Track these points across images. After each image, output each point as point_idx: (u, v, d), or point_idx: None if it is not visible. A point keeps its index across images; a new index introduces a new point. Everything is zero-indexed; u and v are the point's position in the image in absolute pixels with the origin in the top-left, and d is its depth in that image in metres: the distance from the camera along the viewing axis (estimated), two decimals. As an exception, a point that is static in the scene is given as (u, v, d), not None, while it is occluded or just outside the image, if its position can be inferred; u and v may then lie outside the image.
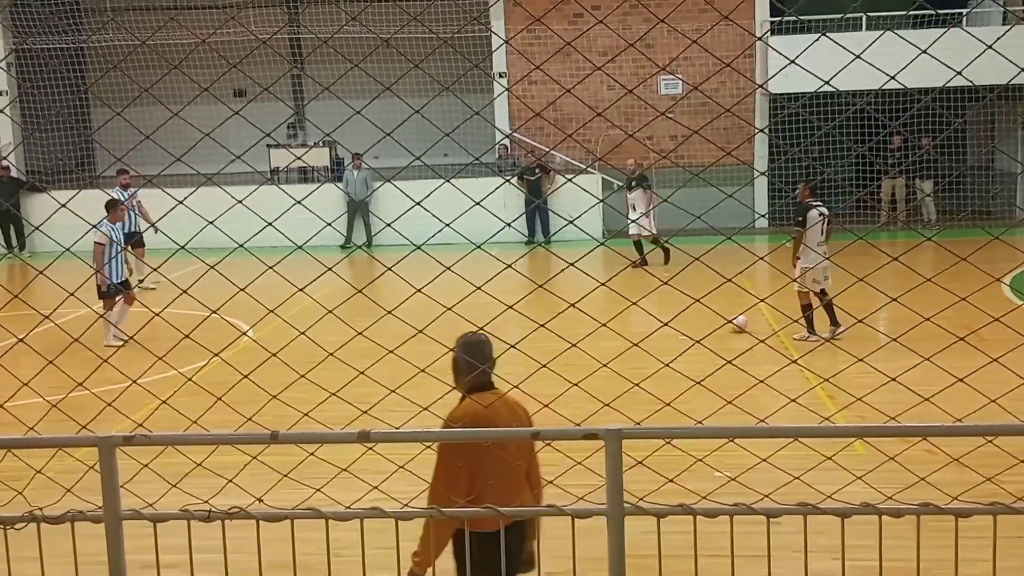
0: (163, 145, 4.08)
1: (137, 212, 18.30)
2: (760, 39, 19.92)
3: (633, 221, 18.78)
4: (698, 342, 4.16)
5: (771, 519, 3.78)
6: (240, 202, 4.36)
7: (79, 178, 24.81)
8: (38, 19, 23.78)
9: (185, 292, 4.11)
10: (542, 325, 4.06)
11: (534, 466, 4.90)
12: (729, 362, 4.13)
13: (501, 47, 22.86)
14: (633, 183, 18.73)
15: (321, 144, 23.96)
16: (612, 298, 4.90)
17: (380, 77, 4.88)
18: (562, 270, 4.30)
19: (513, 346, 4.17)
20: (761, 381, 4.20)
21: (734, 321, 11.84)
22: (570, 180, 5.63)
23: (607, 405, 4.10)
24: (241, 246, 4.24)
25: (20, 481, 4.26)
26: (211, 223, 4.16)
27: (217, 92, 23.29)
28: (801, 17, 21.99)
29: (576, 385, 4.04)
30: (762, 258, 14.71)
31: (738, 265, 4.00)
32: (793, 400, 4.80)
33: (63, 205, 4.38)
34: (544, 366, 4.13)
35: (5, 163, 24.06)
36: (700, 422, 4.05)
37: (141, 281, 17.68)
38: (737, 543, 3.87)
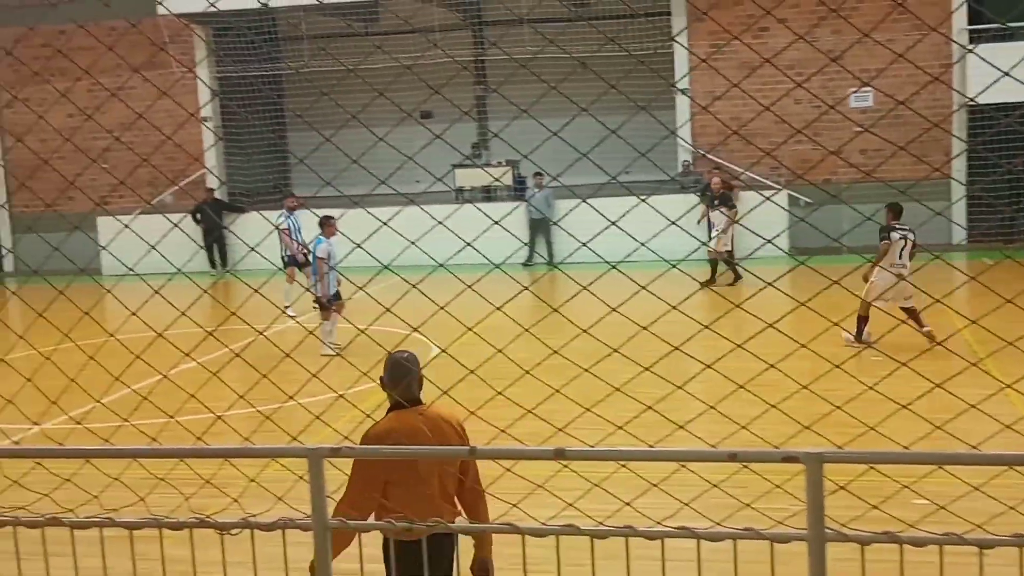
0: (350, 167, 4.22)
1: (294, 236, 17.97)
2: (970, 51, 19.08)
3: (706, 240, 18.85)
4: (904, 364, 4.02)
5: (983, 550, 3.62)
6: (440, 223, 4.46)
7: (276, 200, 25.97)
8: (239, 48, 25.06)
9: (388, 310, 4.26)
10: (739, 346, 4.01)
11: (467, 478, 4.84)
12: (938, 385, 3.98)
13: (689, 64, 22.71)
14: (716, 201, 19.04)
15: (504, 163, 24.33)
16: (804, 316, 4.80)
17: (560, 96, 4.94)
18: (760, 290, 4.23)
19: (709, 366, 4.13)
20: (972, 406, 4.03)
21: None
22: (766, 198, 5.52)
23: (807, 428, 4.01)
24: (441, 265, 4.36)
25: (234, 488, 4.49)
26: (413, 243, 4.30)
27: (402, 114, 23.91)
28: (1010, 24, 20.94)
29: (774, 407, 3.98)
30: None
31: (945, 284, 3.85)
32: (1008, 427, 4.58)
33: (276, 227, 4.60)
34: (741, 387, 4.07)
35: (210, 185, 25.44)
36: (907, 447, 3.91)
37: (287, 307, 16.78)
38: (946, 574, 3.72)
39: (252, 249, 4.80)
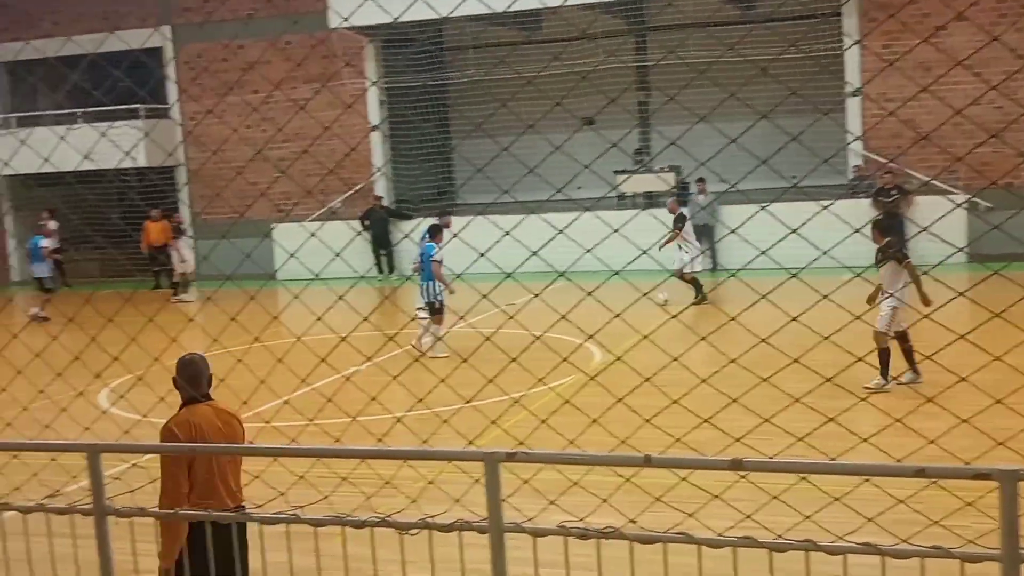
0: (507, 173, 4.26)
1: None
2: None
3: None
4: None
5: None
6: (616, 231, 4.46)
7: (440, 207, 26.44)
8: (405, 58, 25.65)
9: (563, 317, 4.28)
10: (928, 357, 3.87)
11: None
12: None
13: (861, 66, 22.07)
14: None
15: (667, 169, 24.13)
16: (989, 325, 4.59)
17: (716, 100, 4.88)
18: (952, 298, 4.08)
19: (895, 379, 4.00)
20: None
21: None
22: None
23: (1001, 444, 3.84)
24: (617, 273, 4.36)
25: (412, 489, 4.59)
26: (588, 251, 4.31)
27: (565, 120, 24.08)
28: None
29: (966, 421, 3.82)
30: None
31: None
32: None
33: (406, 235, 4.67)
34: (930, 400, 3.93)
35: (378, 193, 26.10)
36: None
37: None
38: None
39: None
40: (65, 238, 26.76)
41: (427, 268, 14.32)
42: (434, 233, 14.76)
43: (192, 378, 5.33)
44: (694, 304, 16.05)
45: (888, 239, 11.47)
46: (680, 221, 18.21)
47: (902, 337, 10.97)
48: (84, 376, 5.21)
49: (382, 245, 25.56)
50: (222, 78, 24.64)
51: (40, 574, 5.09)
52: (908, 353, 10.78)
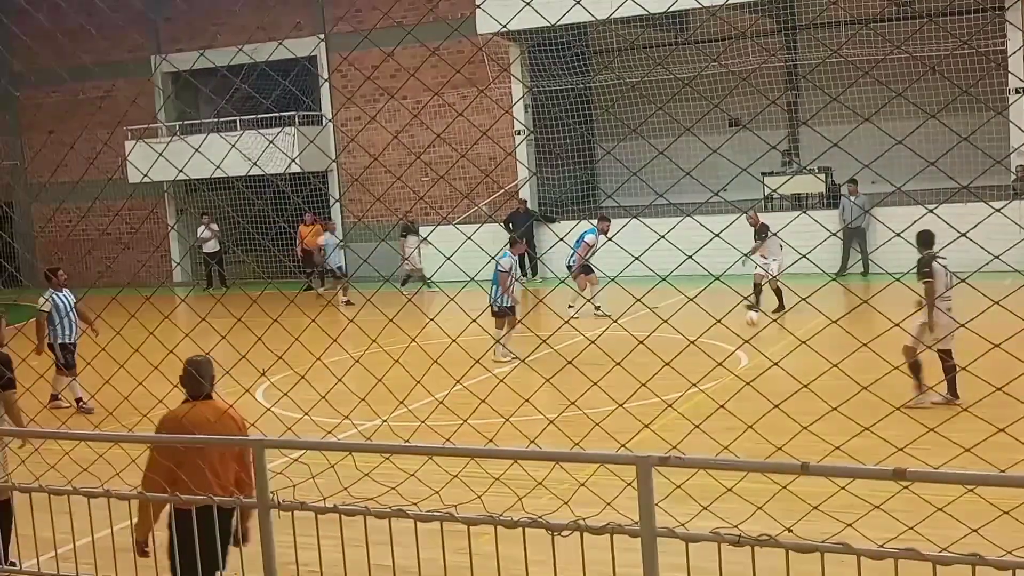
0: (662, 177, 4.22)
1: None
2: None
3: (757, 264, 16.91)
4: None
5: None
6: (717, 234, 4.39)
7: (584, 210, 26.47)
8: (550, 62, 25.77)
9: (720, 321, 4.24)
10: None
11: (243, 470, 5.65)
12: None
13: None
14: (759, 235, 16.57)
15: (816, 170, 23.59)
16: None
17: (864, 98, 4.74)
18: None
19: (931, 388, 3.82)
20: None
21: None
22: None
23: None
24: (775, 278, 4.29)
25: (564, 491, 4.62)
26: (746, 256, 4.24)
27: (712, 123, 23.82)
28: None
29: None
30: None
31: None
32: None
33: (561, 239, 4.68)
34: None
35: (524, 196, 26.31)
36: None
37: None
38: None
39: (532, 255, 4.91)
40: (224, 240, 27.84)
41: (495, 275, 14.76)
42: (512, 244, 15.87)
43: (193, 378, 5.75)
44: (775, 313, 15.25)
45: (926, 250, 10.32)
46: (763, 232, 17.70)
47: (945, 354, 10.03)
48: (250, 374, 5.42)
49: (526, 249, 25.75)
50: (372, 85, 25.20)
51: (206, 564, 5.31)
52: (948, 372, 9.76)
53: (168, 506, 5.57)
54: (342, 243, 25.30)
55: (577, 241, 17.93)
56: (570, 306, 17.73)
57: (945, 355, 10.02)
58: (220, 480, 5.62)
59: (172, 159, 6.01)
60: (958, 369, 8.94)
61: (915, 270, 9.92)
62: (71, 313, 13.96)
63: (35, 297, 14.37)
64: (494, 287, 14.69)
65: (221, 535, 5.39)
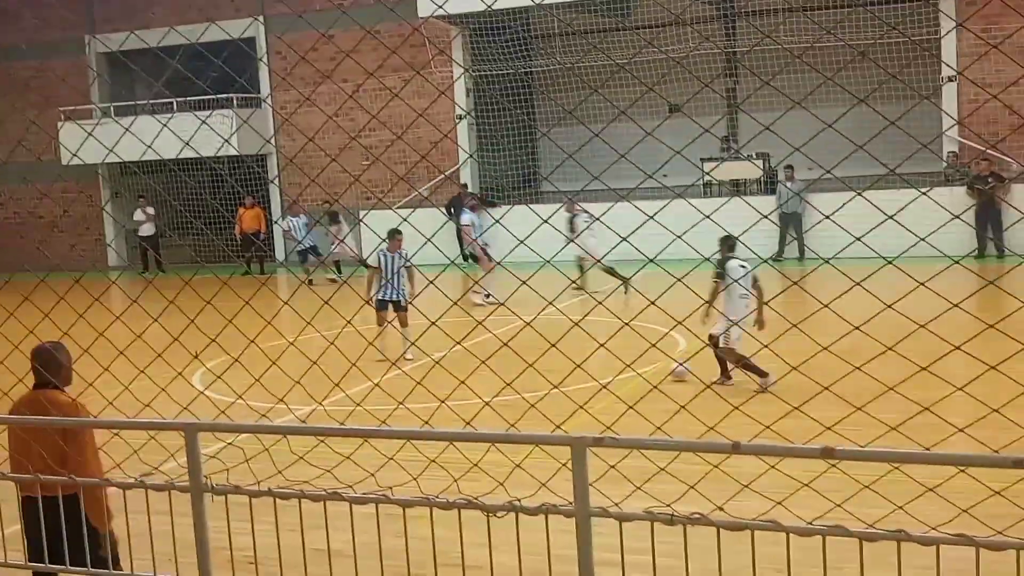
0: (602, 162, 4.25)
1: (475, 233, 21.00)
2: None
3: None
4: None
5: None
6: (651, 216, 4.43)
7: (523, 195, 26.52)
8: (491, 46, 25.73)
9: (653, 303, 4.27)
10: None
11: (68, 450, 5.54)
12: None
13: (957, 52, 21.50)
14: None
15: (754, 156, 23.85)
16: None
17: (803, 85, 4.82)
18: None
19: (994, 367, 3.92)
20: None
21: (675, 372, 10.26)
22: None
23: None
24: (707, 259, 4.34)
25: (500, 473, 4.63)
26: (679, 237, 4.28)
27: (653, 109, 23.93)
28: None
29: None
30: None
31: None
32: None
33: (496, 221, 4.70)
34: (1029, 390, 3.84)
35: (465, 181, 26.28)
36: None
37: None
38: None
39: (522, 242, 4.92)
40: (160, 224, 27.45)
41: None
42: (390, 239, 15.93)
43: (32, 365, 5.75)
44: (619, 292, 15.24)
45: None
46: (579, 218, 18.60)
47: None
48: (183, 358, 5.35)
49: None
50: (312, 68, 24.97)
51: (138, 549, 5.25)
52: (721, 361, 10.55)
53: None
54: (316, 222, 25.29)
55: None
56: (481, 292, 17.78)
57: (714, 343, 10.42)
58: (47, 467, 5.46)
59: (106, 141, 5.90)
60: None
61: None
62: None
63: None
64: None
65: (50, 528, 5.33)
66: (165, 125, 4.62)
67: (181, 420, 4.83)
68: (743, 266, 10.88)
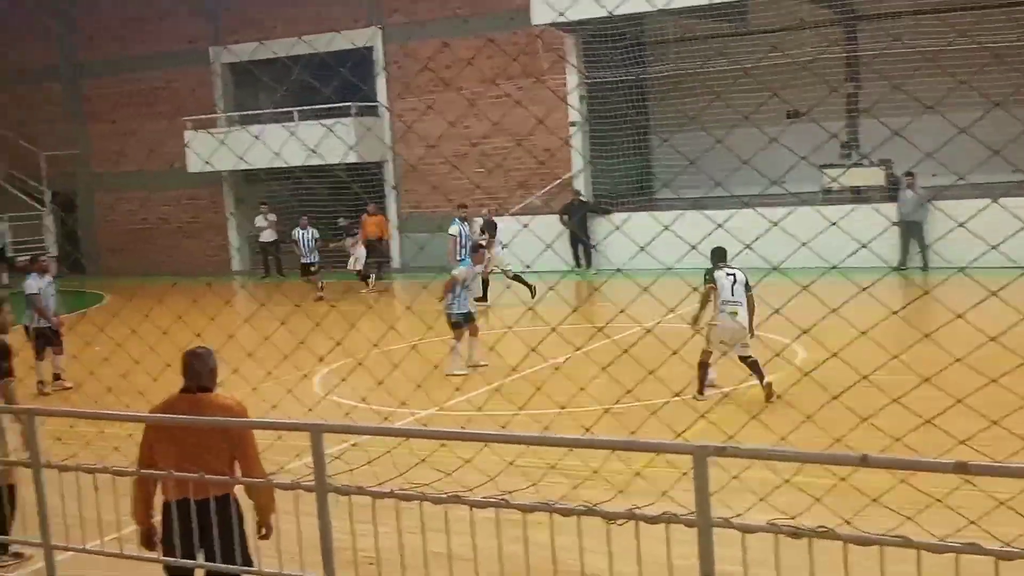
0: (720, 170, 4.18)
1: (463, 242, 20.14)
2: None
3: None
4: None
5: None
6: (776, 224, 4.35)
7: (637, 202, 26.34)
8: (605, 54, 25.67)
9: (777, 311, 4.21)
10: None
11: (242, 462, 5.52)
12: None
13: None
14: None
15: (876, 163, 23.25)
16: None
17: (929, 90, 4.68)
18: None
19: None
20: None
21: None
22: None
23: None
24: (834, 267, 4.25)
25: (620, 480, 4.61)
26: (748, 246, 4.21)
27: (768, 114, 23.53)
28: None
29: None
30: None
31: None
32: None
33: (617, 227, 4.66)
34: None
35: (577, 188, 26.25)
36: None
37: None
38: None
39: (643, 249, 4.89)
40: (282, 230, 28.10)
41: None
42: (473, 252, 15.31)
43: (185, 369, 5.66)
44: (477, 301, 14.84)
45: None
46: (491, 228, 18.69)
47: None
48: (304, 360, 5.47)
49: (580, 240, 25.70)
50: (427, 76, 25.32)
51: (265, 546, 5.37)
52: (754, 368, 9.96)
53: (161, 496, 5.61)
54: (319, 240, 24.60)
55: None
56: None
57: (742, 359, 9.98)
58: (195, 471, 5.41)
59: (229, 150, 6.07)
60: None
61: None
62: (51, 299, 14.52)
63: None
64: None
65: (205, 530, 5.36)
66: (293, 133, 4.74)
67: (308, 421, 4.93)
68: (730, 275, 10.91)
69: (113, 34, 30.16)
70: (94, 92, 32.48)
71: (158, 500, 5.58)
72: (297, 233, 24.38)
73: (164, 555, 5.51)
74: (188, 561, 5.48)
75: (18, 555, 7.56)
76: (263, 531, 5.69)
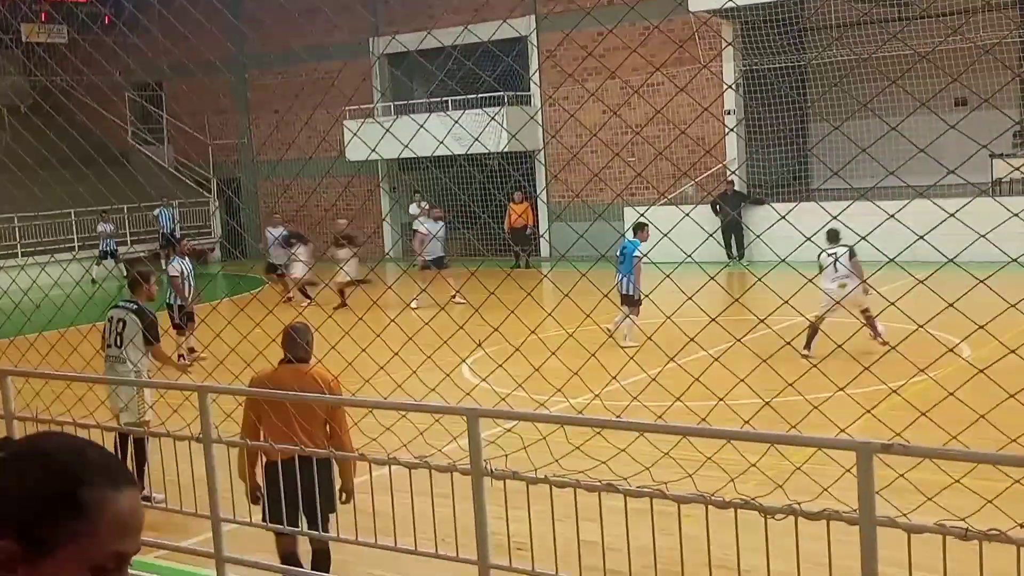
0: (881, 158, 4.03)
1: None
2: None
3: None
4: None
5: None
6: (952, 215, 4.15)
7: (797, 191, 25.73)
8: (765, 40, 25.14)
9: (952, 305, 4.04)
10: None
11: (334, 424, 6.21)
12: None
13: None
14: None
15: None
16: None
17: None
18: None
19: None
20: None
21: None
22: None
23: None
24: (951, 260, 4.06)
25: (780, 475, 4.51)
26: (921, 237, 4.03)
27: (937, 102, 22.58)
28: None
29: None
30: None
31: None
32: None
33: (783, 217, 4.55)
34: None
35: (732, 177, 25.83)
36: None
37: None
38: None
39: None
40: (441, 217, 28.58)
41: (628, 262, 15.11)
42: (637, 230, 15.54)
43: (285, 342, 6.34)
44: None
45: None
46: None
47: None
48: (460, 346, 5.54)
49: (733, 230, 25.33)
50: (579, 65, 25.29)
51: (421, 527, 5.48)
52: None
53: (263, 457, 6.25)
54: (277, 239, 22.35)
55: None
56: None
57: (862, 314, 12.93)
58: (301, 436, 5.98)
59: (386, 138, 6.21)
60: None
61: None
62: (190, 279, 15.28)
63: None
64: (627, 275, 15.01)
65: (306, 486, 5.86)
66: (456, 122, 4.81)
67: (464, 406, 5.00)
68: (831, 255, 13.53)
69: (279, 27, 31.13)
70: (259, 82, 33.65)
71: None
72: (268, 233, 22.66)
73: (267, 511, 6.07)
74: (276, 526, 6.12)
75: (147, 499, 8.08)
76: (343, 496, 6.34)
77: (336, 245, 20.28)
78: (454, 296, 14.89)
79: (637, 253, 15.05)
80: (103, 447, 1.72)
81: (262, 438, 6.09)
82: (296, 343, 6.35)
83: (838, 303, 11.82)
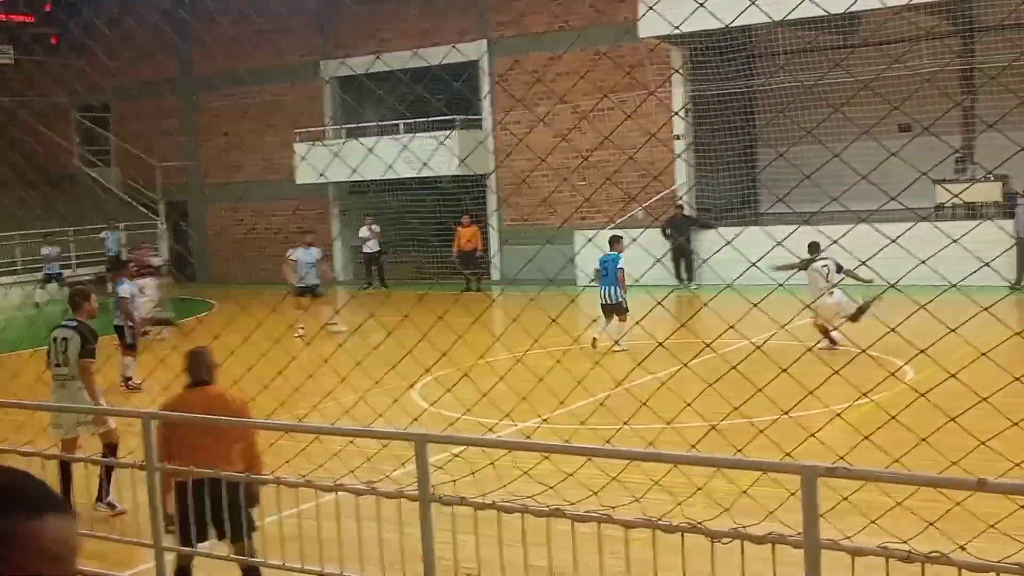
0: (829, 183, 4.10)
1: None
2: None
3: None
4: None
5: None
6: (894, 241, 4.23)
7: (745, 215, 25.99)
8: (714, 67, 25.42)
9: (893, 330, 4.10)
10: None
11: (244, 446, 6.12)
12: None
13: None
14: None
15: (991, 178, 22.56)
16: None
17: None
18: None
19: None
20: None
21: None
22: None
23: None
24: (892, 286, 4.13)
25: (725, 499, 4.54)
26: (864, 263, 4.11)
27: (883, 129, 22.95)
28: None
29: None
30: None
31: None
32: None
33: (728, 242, 4.59)
34: None
35: (681, 202, 26.04)
36: None
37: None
38: None
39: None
40: (385, 241, 28.49)
41: (611, 274, 15.70)
42: (613, 243, 16.17)
43: (189, 366, 6.32)
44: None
45: None
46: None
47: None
48: (406, 372, 5.52)
49: (683, 254, 25.52)
50: (530, 90, 25.44)
51: (369, 555, 5.43)
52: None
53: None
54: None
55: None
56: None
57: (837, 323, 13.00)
58: (203, 458, 6.01)
59: (336, 162, 6.18)
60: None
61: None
62: (155, 298, 15.56)
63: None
64: (612, 287, 15.56)
65: (221, 507, 5.88)
66: (406, 147, 4.79)
67: (413, 431, 4.97)
68: (824, 265, 13.37)
69: (227, 49, 30.98)
70: (208, 105, 33.41)
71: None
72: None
73: (179, 530, 6.06)
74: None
75: (111, 505, 8.30)
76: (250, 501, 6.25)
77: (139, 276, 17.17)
78: (325, 325, 15.00)
79: (621, 264, 15.88)
80: (28, 473, 1.68)
81: (169, 461, 6.15)
82: (199, 366, 6.41)
83: (809, 307, 12.51)
